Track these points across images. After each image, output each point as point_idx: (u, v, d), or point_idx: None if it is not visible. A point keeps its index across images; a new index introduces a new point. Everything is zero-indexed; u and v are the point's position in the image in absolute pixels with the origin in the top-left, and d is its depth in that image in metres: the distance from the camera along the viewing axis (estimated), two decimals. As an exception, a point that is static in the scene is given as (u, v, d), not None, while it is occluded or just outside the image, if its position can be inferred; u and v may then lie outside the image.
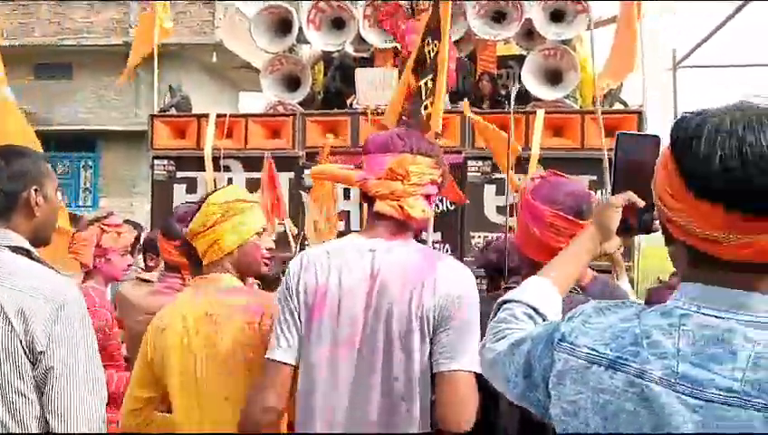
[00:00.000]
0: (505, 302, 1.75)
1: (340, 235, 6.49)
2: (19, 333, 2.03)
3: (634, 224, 1.71)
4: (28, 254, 2.22)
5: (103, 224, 4.13)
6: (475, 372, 2.21)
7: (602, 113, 6.73)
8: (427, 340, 2.28)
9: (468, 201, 6.35)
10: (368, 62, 8.35)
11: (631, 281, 5.91)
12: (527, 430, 2.29)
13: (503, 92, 8.56)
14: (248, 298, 2.65)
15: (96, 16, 19.54)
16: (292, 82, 8.35)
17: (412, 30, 7.56)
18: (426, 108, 5.38)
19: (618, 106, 7.58)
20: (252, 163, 6.99)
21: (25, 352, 2.04)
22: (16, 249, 2.20)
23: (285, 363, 2.36)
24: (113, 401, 3.12)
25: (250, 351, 2.52)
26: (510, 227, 6.49)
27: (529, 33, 8.11)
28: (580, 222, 2.23)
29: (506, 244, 3.86)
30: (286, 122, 7.18)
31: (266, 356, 2.38)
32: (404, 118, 5.53)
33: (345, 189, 6.78)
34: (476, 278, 2.46)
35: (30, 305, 2.04)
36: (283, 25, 8.41)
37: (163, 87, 8.80)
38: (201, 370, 2.54)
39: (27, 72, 20.18)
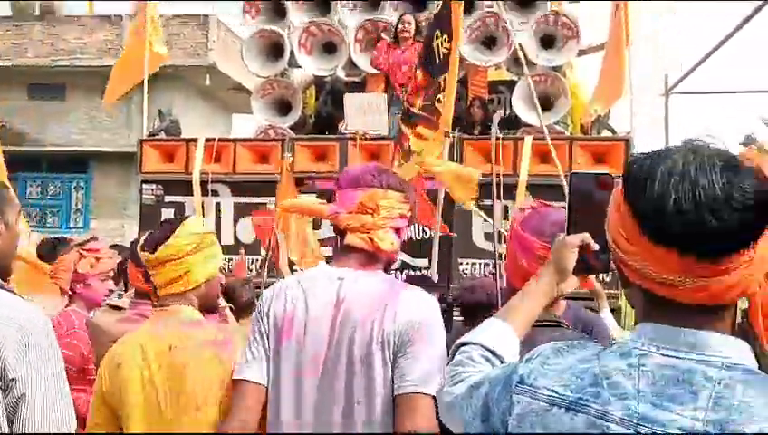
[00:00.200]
0: (463, 344, 1.73)
1: (330, 259, 6.44)
2: None
3: (591, 263, 1.69)
4: None
5: (82, 249, 4.06)
6: (432, 396, 2.23)
7: (590, 140, 6.74)
8: (389, 364, 2.34)
9: (456, 228, 6.32)
10: (359, 87, 8.36)
11: (618, 309, 5.87)
12: None
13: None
14: (216, 332, 2.60)
15: (89, 37, 19.55)
16: (284, 106, 8.35)
17: (401, 62, 7.58)
18: (438, 101, 5.43)
19: (606, 133, 7.57)
20: (240, 188, 6.96)
21: None
22: None
23: (255, 383, 2.42)
24: (85, 423, 3.05)
25: (220, 386, 2.47)
26: (499, 255, 6.52)
27: (519, 59, 8.10)
28: None
29: (497, 284, 3.85)
30: (275, 147, 7.17)
31: (236, 377, 2.43)
32: (413, 111, 5.56)
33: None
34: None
35: (3, 333, 2.05)
36: (274, 49, 8.42)
37: (155, 109, 8.77)
38: (166, 404, 2.46)
39: (20, 93, 20.19)
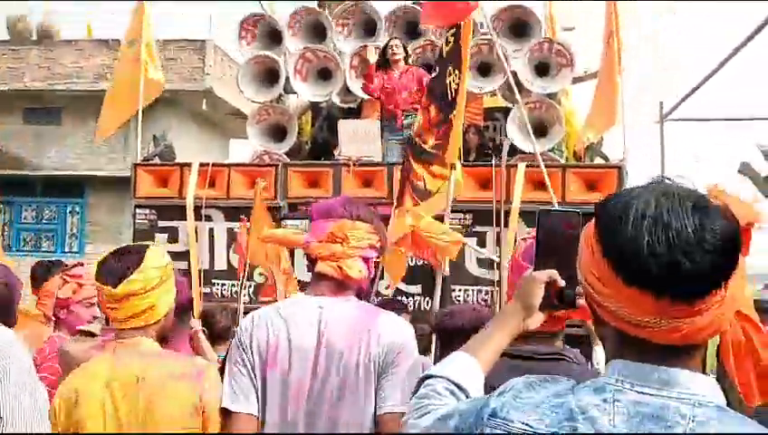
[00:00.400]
0: (428, 377, 1.72)
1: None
2: None
3: (557, 300, 1.68)
4: None
5: (65, 274, 3.99)
6: None
7: (582, 167, 6.75)
8: (373, 387, 2.48)
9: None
10: (355, 113, 8.38)
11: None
12: None
13: (489, 144, 8.59)
14: (185, 364, 2.52)
15: (86, 62, 19.57)
16: (279, 132, 8.36)
17: (401, 88, 7.59)
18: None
19: (599, 160, 7.59)
20: (233, 213, 6.94)
21: None
22: None
23: (249, 414, 2.50)
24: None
25: (189, 420, 2.40)
26: (493, 282, 6.53)
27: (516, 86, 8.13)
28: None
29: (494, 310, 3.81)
30: (269, 172, 7.16)
31: (224, 407, 2.48)
32: (426, 149, 5.56)
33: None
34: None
35: None
36: (270, 75, 8.44)
37: (150, 134, 8.78)
38: None
39: (16, 117, 20.20)
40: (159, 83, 8.02)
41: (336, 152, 7.66)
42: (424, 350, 4.00)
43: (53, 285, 3.99)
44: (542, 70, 7.94)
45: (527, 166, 6.74)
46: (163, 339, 2.60)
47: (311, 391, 2.49)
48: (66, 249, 19.59)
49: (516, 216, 6.49)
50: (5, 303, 2.67)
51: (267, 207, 6.84)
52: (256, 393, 2.52)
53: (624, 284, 1.30)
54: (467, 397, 1.64)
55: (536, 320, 1.73)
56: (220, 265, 7.12)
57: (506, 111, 8.26)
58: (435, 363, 2.20)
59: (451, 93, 5.57)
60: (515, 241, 6.06)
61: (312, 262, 2.67)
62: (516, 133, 7.69)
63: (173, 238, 7.24)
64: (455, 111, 5.49)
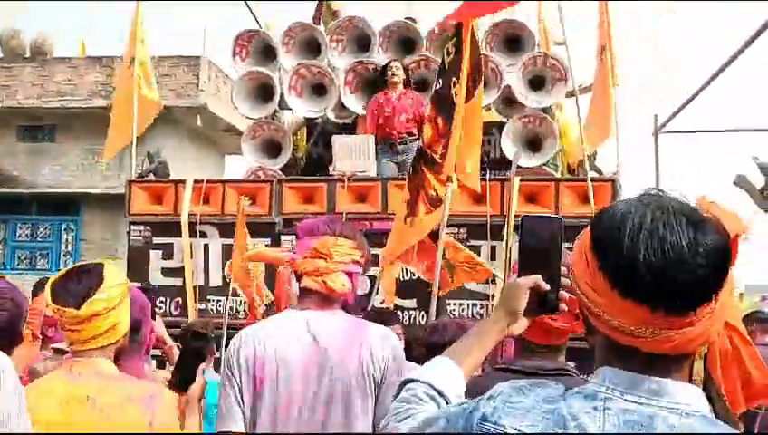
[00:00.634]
0: (409, 381, 1.73)
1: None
2: None
3: (541, 305, 1.70)
4: None
5: None
6: None
7: (576, 181, 6.75)
8: (369, 398, 2.60)
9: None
10: (349, 129, 8.38)
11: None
12: None
13: (484, 159, 8.58)
14: (140, 387, 2.46)
15: (80, 79, 19.57)
16: (274, 148, 8.36)
17: (400, 110, 7.60)
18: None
19: (593, 174, 7.59)
20: (228, 229, 6.92)
21: None
22: None
23: (238, 433, 2.65)
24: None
25: None
26: (487, 296, 6.52)
27: (508, 100, 8.16)
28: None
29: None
30: (263, 188, 7.15)
31: (220, 429, 2.65)
32: (435, 158, 5.54)
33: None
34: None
35: None
36: (264, 91, 8.45)
37: (145, 151, 8.77)
38: None
39: (10, 135, 20.17)
40: (156, 103, 8.03)
41: (331, 168, 7.65)
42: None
43: (40, 302, 3.92)
44: (536, 84, 7.96)
45: (521, 180, 6.75)
46: (116, 358, 2.54)
47: (302, 402, 2.60)
48: (62, 267, 19.48)
49: (511, 229, 6.48)
50: (12, 320, 2.62)
51: (262, 223, 6.87)
52: (243, 411, 2.64)
53: (619, 295, 1.34)
54: (447, 403, 1.65)
55: (521, 325, 1.73)
56: (215, 281, 7.10)
57: (501, 126, 8.26)
58: None
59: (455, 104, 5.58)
60: (510, 255, 6.07)
61: (298, 278, 2.81)
62: (510, 147, 7.70)
63: (168, 255, 7.22)
64: (454, 123, 5.47)
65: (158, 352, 4.75)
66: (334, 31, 8.52)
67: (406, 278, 6.50)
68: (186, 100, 19.12)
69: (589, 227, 1.42)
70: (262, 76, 8.38)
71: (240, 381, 2.67)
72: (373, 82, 8.13)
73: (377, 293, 6.25)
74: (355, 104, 8.29)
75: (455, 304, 6.57)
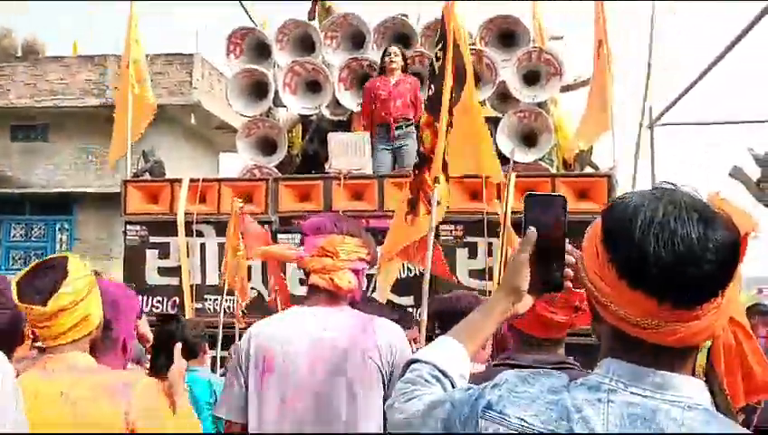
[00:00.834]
0: (414, 361, 1.72)
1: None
2: None
3: (545, 283, 1.68)
4: None
5: None
6: None
7: (572, 176, 6.75)
8: (378, 392, 2.68)
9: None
10: (345, 126, 8.36)
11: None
12: None
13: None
14: (111, 378, 2.40)
15: (72, 78, 19.52)
16: (269, 146, 8.34)
17: (396, 95, 7.57)
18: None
19: (588, 169, 7.60)
20: (225, 228, 6.89)
21: None
22: None
23: (235, 422, 2.81)
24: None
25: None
26: (485, 292, 6.51)
27: (503, 95, 8.15)
28: (576, 290, 2.13)
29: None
30: (259, 187, 7.14)
31: (221, 416, 2.84)
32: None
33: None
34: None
35: None
36: (259, 89, 8.43)
37: (139, 149, 8.73)
38: None
39: (3, 134, 20.11)
40: (151, 105, 7.99)
41: (326, 165, 7.64)
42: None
43: None
44: (530, 79, 7.96)
45: (517, 176, 6.74)
46: (93, 350, 2.49)
47: (308, 396, 2.68)
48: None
49: (508, 226, 6.47)
50: (15, 319, 2.59)
51: (258, 222, 6.85)
52: (246, 402, 2.76)
53: (628, 287, 1.35)
54: (452, 384, 1.65)
55: (525, 304, 1.70)
56: (212, 280, 7.08)
57: (496, 121, 8.25)
58: None
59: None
60: (507, 251, 6.06)
61: (306, 275, 2.89)
62: (506, 143, 7.70)
63: (164, 254, 7.20)
64: (439, 125, 5.43)
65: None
66: (328, 28, 8.50)
67: (403, 276, 6.49)
68: (179, 98, 19.09)
69: (600, 218, 1.42)
70: (256, 73, 8.36)
71: (247, 375, 2.76)
72: (368, 79, 8.10)
73: (373, 290, 6.24)
74: (350, 101, 8.28)
75: (452, 301, 6.55)
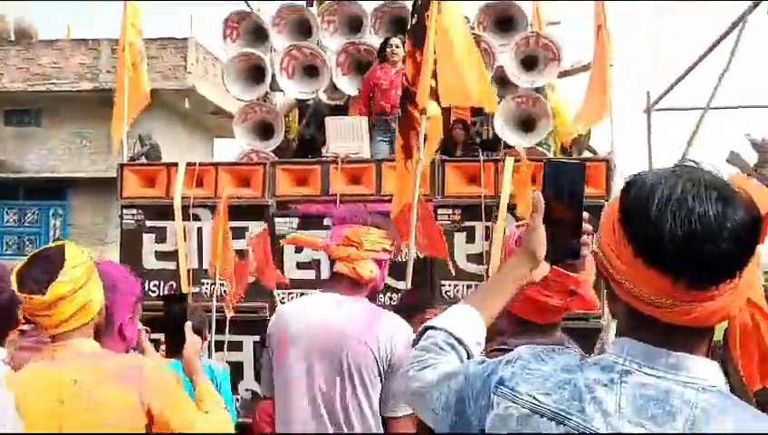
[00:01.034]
0: (429, 328, 1.71)
1: (311, 283, 6.47)
2: None
3: (561, 250, 1.68)
4: None
5: None
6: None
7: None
8: (375, 383, 2.79)
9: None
10: (342, 110, 8.33)
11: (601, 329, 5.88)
12: None
13: (477, 140, 8.58)
14: (122, 363, 2.43)
15: (66, 62, 19.40)
16: (266, 130, 8.30)
17: (396, 85, 7.54)
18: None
19: (586, 154, 7.59)
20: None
21: None
22: None
23: (269, 396, 3.06)
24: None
25: (133, 420, 2.34)
26: (482, 277, 6.51)
27: (501, 81, 8.14)
28: (571, 274, 2.11)
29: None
30: (256, 171, 7.11)
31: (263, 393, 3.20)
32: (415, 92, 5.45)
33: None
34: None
35: None
36: (255, 73, 8.39)
37: (134, 133, 8.69)
38: None
39: (-4, 119, 20.02)
40: (144, 94, 7.93)
41: (324, 150, 7.62)
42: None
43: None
44: (528, 64, 7.94)
45: (515, 160, 6.74)
46: (97, 335, 2.51)
47: (314, 378, 2.84)
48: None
49: (505, 210, 6.48)
50: (11, 301, 2.58)
51: (256, 206, 6.85)
52: (272, 377, 2.99)
53: (643, 265, 1.33)
54: (467, 352, 1.65)
55: (542, 271, 1.70)
56: (209, 264, 7.07)
57: (493, 106, 8.24)
58: None
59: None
60: (504, 235, 6.05)
61: (331, 262, 3.03)
62: (503, 127, 7.69)
63: (161, 238, 7.18)
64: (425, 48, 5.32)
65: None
66: (325, 12, 8.46)
67: (398, 260, 6.49)
68: (174, 82, 19.00)
69: (618, 195, 1.40)
70: (253, 57, 8.32)
71: (270, 353, 3.01)
72: (366, 64, 8.08)
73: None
74: (347, 86, 8.25)
75: (449, 285, 6.56)
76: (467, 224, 6.69)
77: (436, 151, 7.14)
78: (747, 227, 1.30)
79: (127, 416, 2.32)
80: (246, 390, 6.68)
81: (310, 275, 6.82)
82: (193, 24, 27.47)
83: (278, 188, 7.03)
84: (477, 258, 6.56)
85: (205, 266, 7.07)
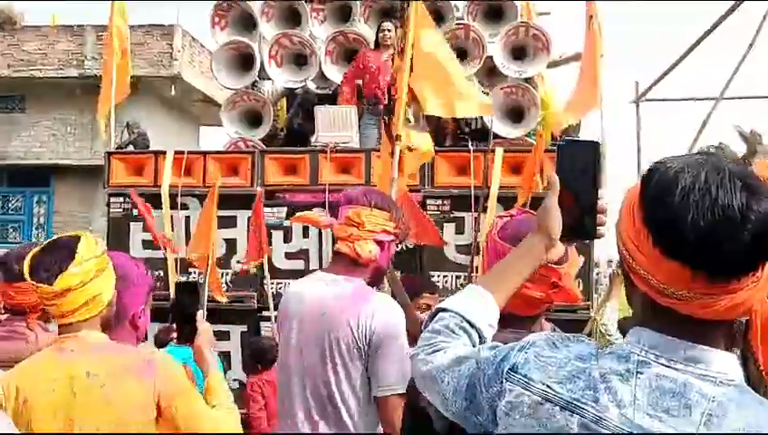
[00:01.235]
0: (441, 310, 1.68)
1: (300, 273, 6.46)
2: None
3: (577, 229, 1.66)
4: None
5: None
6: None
7: (558, 152, 6.74)
8: (357, 363, 2.84)
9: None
10: (330, 99, 8.30)
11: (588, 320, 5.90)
12: None
13: (465, 130, 8.57)
14: (132, 356, 2.44)
15: (51, 48, 19.21)
16: (254, 119, 8.26)
17: (386, 70, 7.51)
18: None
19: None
20: (210, 201, 6.85)
21: None
22: None
23: None
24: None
25: (144, 414, 2.33)
26: (469, 267, 6.51)
27: (491, 71, 8.12)
28: (555, 267, 2.09)
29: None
30: (245, 159, 7.08)
31: None
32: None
33: (304, 228, 6.75)
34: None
35: None
36: (244, 61, 8.33)
37: (122, 121, 8.61)
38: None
39: (-21, 105, 19.81)
40: (126, 84, 7.86)
41: (312, 139, 7.59)
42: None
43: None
44: (518, 54, 7.93)
45: (505, 151, 6.74)
46: (105, 327, 2.50)
47: (302, 356, 2.92)
48: (33, 240, 19.28)
49: (495, 201, 6.48)
50: None
51: (244, 195, 6.82)
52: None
53: (662, 255, 1.30)
54: (479, 335, 1.63)
55: (558, 251, 1.68)
56: (187, 252, 7.03)
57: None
58: None
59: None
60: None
61: (334, 241, 3.09)
62: (492, 118, 7.67)
63: (148, 227, 7.14)
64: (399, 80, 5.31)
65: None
66: (315, 0, 8.41)
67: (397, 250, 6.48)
68: (159, 69, 18.85)
69: (639, 182, 1.37)
70: (242, 46, 8.26)
71: (277, 331, 3.21)
72: (355, 53, 8.05)
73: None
74: (336, 75, 8.21)
75: (438, 276, 6.56)
76: (456, 214, 6.69)
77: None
78: None
79: (139, 411, 2.32)
80: (234, 380, 6.65)
81: (299, 265, 6.81)
82: (179, 11, 27.18)
83: (267, 177, 7.01)
84: (466, 249, 6.56)
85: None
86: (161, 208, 6.99)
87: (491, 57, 7.87)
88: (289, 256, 6.84)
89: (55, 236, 2.50)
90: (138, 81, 15.63)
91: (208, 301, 6.36)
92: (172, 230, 6.99)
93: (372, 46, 7.93)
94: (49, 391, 2.29)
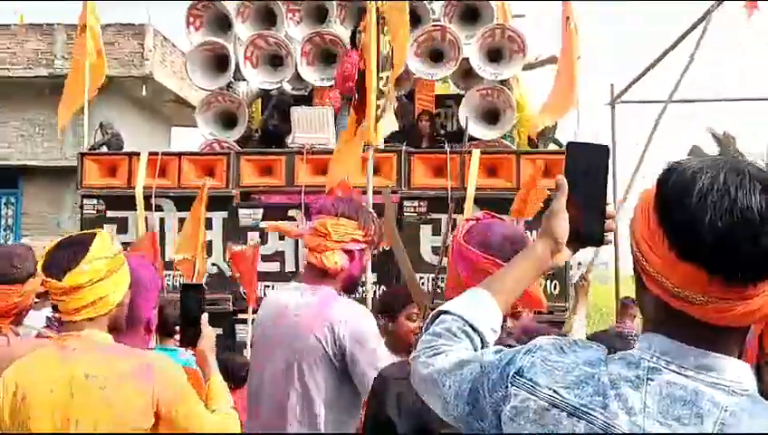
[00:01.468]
0: (442, 313, 1.63)
1: (275, 275, 6.44)
2: None
3: (585, 234, 1.62)
4: None
5: None
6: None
7: (537, 153, 6.77)
8: (326, 370, 2.84)
9: (403, 241, 6.23)
10: (306, 100, 8.27)
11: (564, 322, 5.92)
12: None
13: (441, 131, 8.59)
14: (133, 359, 2.39)
15: (19, 47, 18.95)
16: (229, 120, 8.21)
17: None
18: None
19: (552, 146, 7.63)
20: (184, 202, 6.80)
21: None
22: None
23: None
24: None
25: (141, 418, 2.30)
26: (445, 269, 6.51)
27: (467, 73, 8.14)
28: None
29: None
30: (220, 161, 7.04)
31: None
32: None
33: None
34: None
35: None
36: (219, 62, 8.28)
37: (94, 122, 8.51)
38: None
39: (-53, 104, 19.50)
40: (100, 75, 7.79)
41: (288, 140, 7.55)
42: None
43: None
44: (493, 56, 7.95)
45: (482, 153, 6.75)
46: (114, 329, 2.47)
47: (269, 365, 2.93)
48: (2, 242, 19.02)
49: (471, 202, 6.49)
50: None
51: (219, 197, 6.77)
52: None
53: (678, 258, 1.25)
54: (482, 339, 1.58)
55: (564, 256, 1.63)
56: (171, 255, 6.97)
57: (458, 98, 8.25)
58: None
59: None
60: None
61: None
62: (468, 120, 7.69)
63: (122, 229, 7.07)
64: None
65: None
66: (291, 1, 8.37)
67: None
68: (130, 69, 18.66)
69: (655, 183, 1.32)
70: (217, 47, 8.21)
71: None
72: (331, 54, 8.02)
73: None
74: (312, 76, 8.18)
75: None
76: (433, 216, 6.70)
77: (403, 142, 7.15)
78: None
79: (137, 415, 2.30)
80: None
81: (274, 267, 6.78)
82: (150, 10, 27.03)
83: (242, 178, 6.97)
84: (444, 251, 6.55)
85: (167, 258, 6.97)
86: (135, 210, 6.92)
87: (467, 59, 7.88)
88: (265, 258, 6.80)
89: (74, 233, 2.51)
90: (109, 81, 15.51)
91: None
92: (146, 231, 6.92)
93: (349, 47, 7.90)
94: (47, 391, 2.27)
